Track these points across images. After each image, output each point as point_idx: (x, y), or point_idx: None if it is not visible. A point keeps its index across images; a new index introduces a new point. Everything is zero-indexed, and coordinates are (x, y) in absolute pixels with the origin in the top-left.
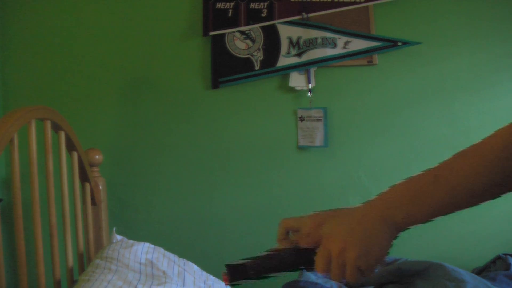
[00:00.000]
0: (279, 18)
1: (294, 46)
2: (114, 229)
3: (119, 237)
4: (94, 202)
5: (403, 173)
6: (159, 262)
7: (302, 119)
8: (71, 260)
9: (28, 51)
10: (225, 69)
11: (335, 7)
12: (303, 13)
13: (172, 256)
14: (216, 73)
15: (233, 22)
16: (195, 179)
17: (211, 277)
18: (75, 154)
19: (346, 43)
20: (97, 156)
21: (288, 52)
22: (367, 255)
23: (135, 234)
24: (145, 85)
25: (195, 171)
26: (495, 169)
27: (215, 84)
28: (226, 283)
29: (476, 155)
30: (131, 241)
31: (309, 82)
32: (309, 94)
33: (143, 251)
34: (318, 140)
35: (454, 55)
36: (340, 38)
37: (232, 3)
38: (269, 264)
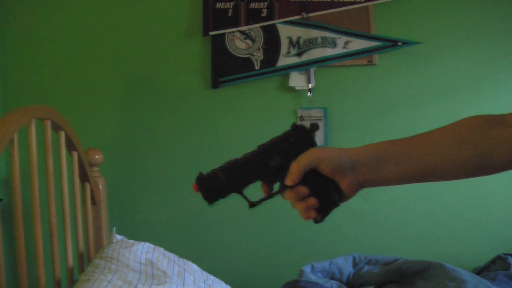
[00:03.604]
0: (279, 18)
1: (294, 46)
2: (114, 229)
3: (119, 237)
4: (94, 202)
5: None
6: (159, 262)
7: (302, 119)
8: (71, 260)
9: (28, 51)
10: (225, 69)
11: (335, 7)
12: (303, 13)
13: (172, 256)
14: (216, 73)
15: (233, 22)
16: (195, 178)
17: (211, 277)
18: (75, 154)
19: (346, 43)
20: (97, 156)
21: (288, 52)
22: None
23: (135, 234)
24: (145, 85)
25: (195, 171)
26: (467, 143)
27: (215, 84)
28: (195, 191)
29: (450, 128)
30: (131, 241)
31: (309, 82)
32: (309, 94)
33: (143, 251)
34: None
35: (454, 55)
36: (340, 38)
37: (232, 3)
38: (240, 168)
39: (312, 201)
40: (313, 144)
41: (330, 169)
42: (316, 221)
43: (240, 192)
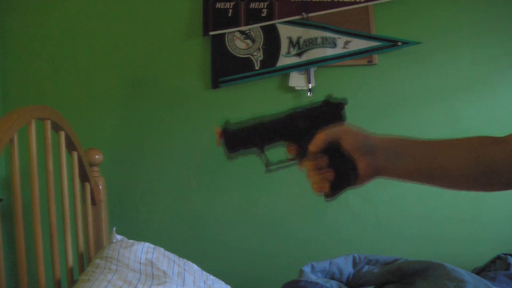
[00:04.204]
0: (279, 18)
1: (294, 46)
2: (114, 229)
3: (119, 237)
4: (94, 202)
5: None
6: (159, 262)
7: None
8: (71, 260)
9: (28, 51)
10: (225, 69)
11: (335, 7)
12: (303, 13)
13: (172, 256)
14: (216, 73)
15: (233, 22)
16: (195, 179)
17: (211, 277)
18: (75, 154)
19: (346, 43)
20: (97, 156)
21: (288, 52)
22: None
23: (135, 234)
24: (145, 85)
25: (195, 171)
26: (473, 151)
27: (215, 84)
28: (219, 137)
29: (460, 139)
30: (131, 241)
31: (309, 82)
32: (309, 94)
33: (143, 251)
34: None
35: (454, 55)
36: (340, 38)
37: (232, 3)
38: (268, 123)
39: (329, 173)
40: (342, 118)
41: (352, 145)
42: (327, 196)
43: (261, 148)
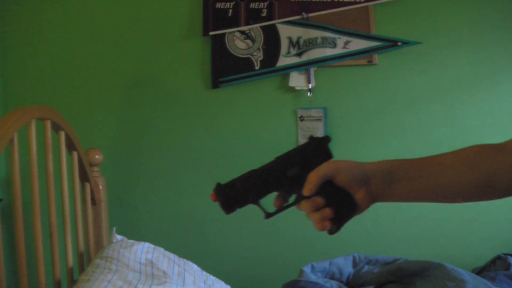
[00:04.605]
0: (279, 18)
1: (294, 46)
2: (114, 229)
3: (119, 237)
4: (94, 202)
5: None
6: (159, 262)
7: (302, 119)
8: (71, 260)
9: (28, 51)
10: (225, 69)
11: (335, 7)
12: (303, 13)
13: (172, 256)
14: (216, 73)
15: (233, 22)
16: (195, 179)
17: (211, 277)
18: (75, 154)
19: (346, 43)
20: (97, 156)
21: (288, 52)
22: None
23: (135, 234)
24: (145, 85)
25: (195, 171)
26: (473, 165)
27: (215, 84)
28: (214, 201)
29: (458, 152)
30: (131, 241)
31: (309, 82)
32: (309, 94)
33: (143, 251)
34: None
35: (454, 55)
36: (340, 38)
37: (232, 3)
38: (258, 178)
39: (328, 211)
40: (330, 155)
41: (346, 180)
42: (331, 232)
43: (257, 203)
